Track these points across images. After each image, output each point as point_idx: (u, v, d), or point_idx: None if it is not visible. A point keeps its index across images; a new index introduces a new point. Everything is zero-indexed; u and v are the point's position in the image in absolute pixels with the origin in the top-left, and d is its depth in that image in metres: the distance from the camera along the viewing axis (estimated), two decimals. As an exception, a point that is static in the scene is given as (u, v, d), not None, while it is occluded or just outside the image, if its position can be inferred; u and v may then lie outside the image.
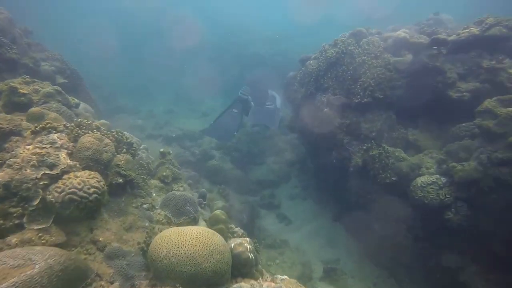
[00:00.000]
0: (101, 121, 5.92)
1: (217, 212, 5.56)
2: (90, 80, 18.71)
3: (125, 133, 5.69)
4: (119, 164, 4.21)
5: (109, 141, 4.10)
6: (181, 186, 5.90)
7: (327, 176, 8.15)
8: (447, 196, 5.27)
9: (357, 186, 7.06)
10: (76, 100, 5.97)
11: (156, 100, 17.79)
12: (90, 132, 4.27)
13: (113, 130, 4.88)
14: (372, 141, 6.68)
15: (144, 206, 4.78)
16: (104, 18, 24.34)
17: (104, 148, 3.86)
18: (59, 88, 5.35)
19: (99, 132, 4.40)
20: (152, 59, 19.67)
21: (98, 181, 3.42)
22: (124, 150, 4.74)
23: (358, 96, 6.83)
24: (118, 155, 4.42)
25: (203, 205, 6.40)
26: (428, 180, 5.58)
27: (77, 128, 4.27)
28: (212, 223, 5.12)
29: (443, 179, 5.46)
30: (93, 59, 19.76)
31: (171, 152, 6.71)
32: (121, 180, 4.12)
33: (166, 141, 11.35)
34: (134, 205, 4.55)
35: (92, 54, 19.51)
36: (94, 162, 3.69)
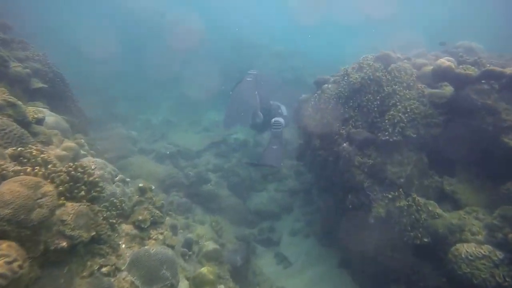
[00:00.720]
0: (66, 144, 4.61)
1: (204, 271, 4.26)
2: (91, 83, 17.60)
3: (92, 163, 4.39)
4: (64, 220, 2.89)
5: (50, 188, 2.75)
6: (161, 234, 4.57)
7: (338, 218, 6.81)
8: (507, 279, 3.93)
9: (376, 240, 5.71)
10: (41, 114, 4.68)
11: (157, 108, 16.55)
12: (28, 170, 2.96)
13: (71, 164, 3.56)
14: (400, 189, 5.37)
15: (103, 270, 3.44)
16: (106, 19, 23.32)
17: (37, 201, 2.55)
18: (13, 99, 4.05)
19: (42, 171, 3.08)
20: (157, 62, 18.49)
21: (8, 263, 2.13)
22: (83, 193, 3.43)
23: (386, 133, 5.54)
24: (67, 205, 3.11)
25: (187, 257, 5.06)
26: (477, 252, 4.24)
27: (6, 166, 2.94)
28: (196, 285, 3.87)
29: (500, 254, 4.12)
30: (96, 61, 18.66)
31: (153, 187, 5.40)
32: (64, 243, 2.81)
33: (159, 158, 10.05)
34: (85, 272, 3.21)
35: (95, 55, 18.39)
36: (14, 226, 2.37)
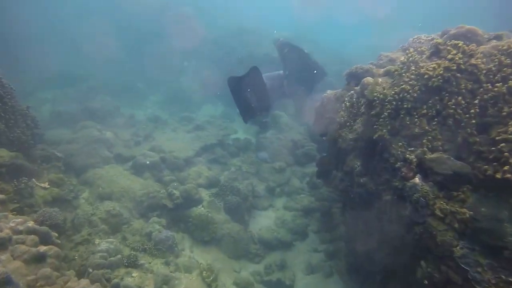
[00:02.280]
0: None
1: None
2: (72, 72, 14.80)
3: None
4: None
5: None
6: None
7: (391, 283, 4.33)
8: None
9: None
10: None
11: (145, 101, 13.87)
12: None
13: None
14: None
15: None
16: (103, 15, 20.23)
17: None
18: None
19: None
20: (151, 54, 15.65)
21: None
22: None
23: (501, 166, 3.03)
24: None
25: None
26: None
27: None
28: None
29: None
30: (88, 54, 15.84)
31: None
32: None
33: (136, 170, 7.49)
34: None
35: (87, 49, 15.60)
36: None
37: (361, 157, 4.47)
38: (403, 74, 3.84)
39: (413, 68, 3.77)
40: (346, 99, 5.03)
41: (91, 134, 8.50)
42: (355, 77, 5.28)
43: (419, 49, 4.03)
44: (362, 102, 4.71)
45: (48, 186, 5.50)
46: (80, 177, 7.42)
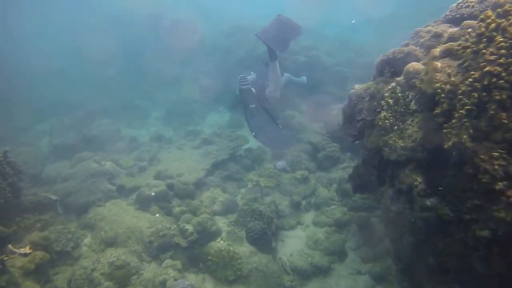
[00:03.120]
0: None
1: None
2: (67, 99, 13.79)
3: None
4: None
5: None
6: None
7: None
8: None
9: None
10: None
11: (147, 119, 12.80)
12: None
13: None
14: None
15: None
16: (101, 19, 19.40)
17: None
18: None
19: None
20: (148, 67, 14.59)
21: None
22: None
23: None
24: None
25: None
26: None
27: None
28: None
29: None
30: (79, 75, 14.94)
31: None
32: None
33: (141, 204, 6.39)
34: None
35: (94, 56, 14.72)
36: None
37: (423, 171, 3.24)
38: (484, 51, 2.59)
39: (501, 39, 2.51)
40: (386, 94, 3.79)
41: (89, 167, 7.44)
42: (392, 64, 4.03)
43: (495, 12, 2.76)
44: (411, 97, 3.47)
45: (30, 251, 4.42)
46: (80, 220, 6.37)
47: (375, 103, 3.98)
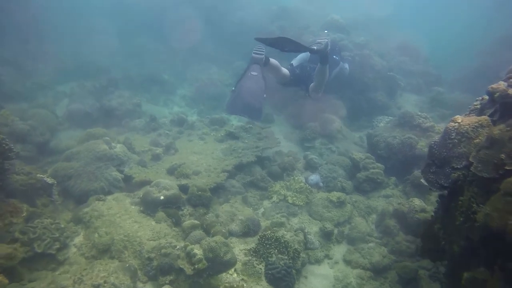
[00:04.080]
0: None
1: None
2: (93, 63, 12.63)
3: None
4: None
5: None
6: None
7: None
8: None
9: None
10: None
11: (172, 95, 11.60)
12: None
13: None
14: None
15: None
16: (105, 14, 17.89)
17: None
18: None
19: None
20: (179, 41, 13.20)
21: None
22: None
23: None
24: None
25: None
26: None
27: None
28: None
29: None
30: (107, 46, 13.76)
31: None
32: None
33: (147, 206, 5.21)
34: None
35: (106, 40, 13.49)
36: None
37: None
38: None
39: None
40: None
41: (97, 147, 6.32)
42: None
43: None
44: None
45: None
46: (76, 211, 5.31)
47: (503, 155, 2.52)
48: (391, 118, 8.34)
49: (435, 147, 3.32)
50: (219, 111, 10.01)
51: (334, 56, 6.91)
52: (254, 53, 4.61)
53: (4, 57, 11.01)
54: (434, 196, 6.46)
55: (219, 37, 13.24)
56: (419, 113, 7.79)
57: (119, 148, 6.53)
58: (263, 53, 4.64)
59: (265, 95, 4.45)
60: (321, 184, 6.88)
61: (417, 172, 6.63)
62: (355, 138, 8.92)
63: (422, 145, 7.10)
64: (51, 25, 14.40)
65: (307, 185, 6.66)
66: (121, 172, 6.21)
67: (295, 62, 6.12)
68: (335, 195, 6.29)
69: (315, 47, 4.88)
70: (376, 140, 7.71)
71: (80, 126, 8.72)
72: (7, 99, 8.79)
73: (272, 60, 5.07)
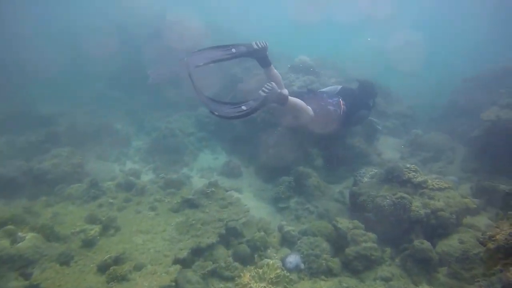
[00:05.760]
0: None
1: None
2: (43, 110, 10.46)
3: None
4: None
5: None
6: None
7: None
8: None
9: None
10: None
11: (126, 148, 9.77)
12: None
13: None
14: None
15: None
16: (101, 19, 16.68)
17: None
18: None
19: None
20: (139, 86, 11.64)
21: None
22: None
23: None
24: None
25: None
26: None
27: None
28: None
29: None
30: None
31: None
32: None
33: None
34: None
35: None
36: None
37: None
38: None
39: None
40: None
41: (78, 214, 4.36)
42: None
43: None
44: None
45: None
46: None
47: None
48: (375, 171, 7.02)
49: None
50: (179, 167, 8.31)
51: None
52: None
53: None
54: (441, 274, 5.07)
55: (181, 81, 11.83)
56: (408, 165, 6.55)
57: (28, 241, 4.59)
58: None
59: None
60: (302, 266, 5.24)
61: (417, 243, 5.22)
62: (335, 193, 7.48)
63: (417, 206, 5.75)
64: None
65: (285, 271, 4.97)
66: (27, 277, 4.25)
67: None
68: (321, 286, 4.64)
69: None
70: (362, 200, 6.30)
71: (1, 197, 6.70)
72: None
73: None
